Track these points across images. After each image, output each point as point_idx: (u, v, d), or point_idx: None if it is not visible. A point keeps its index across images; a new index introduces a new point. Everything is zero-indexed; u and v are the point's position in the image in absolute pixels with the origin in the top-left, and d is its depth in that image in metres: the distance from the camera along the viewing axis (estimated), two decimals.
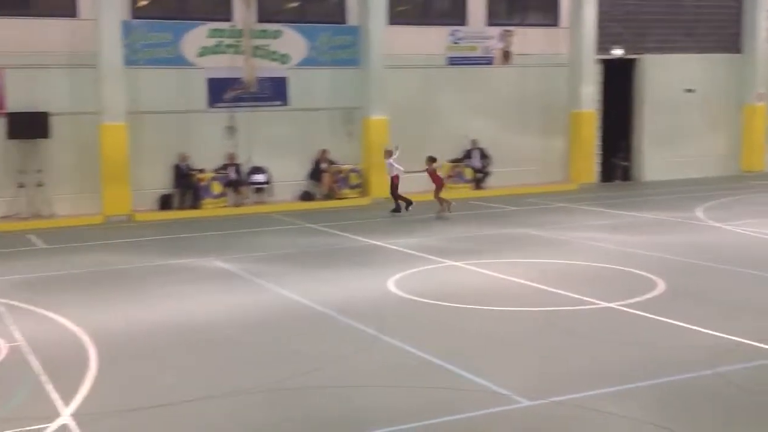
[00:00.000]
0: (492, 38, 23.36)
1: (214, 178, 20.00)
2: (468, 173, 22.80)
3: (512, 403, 6.91)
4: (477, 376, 7.52)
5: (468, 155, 22.92)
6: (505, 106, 23.49)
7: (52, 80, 18.86)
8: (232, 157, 20.46)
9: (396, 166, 18.69)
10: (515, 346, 8.65)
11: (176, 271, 12.90)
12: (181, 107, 20.13)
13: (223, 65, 20.42)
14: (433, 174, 18.72)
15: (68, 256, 14.60)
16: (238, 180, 20.42)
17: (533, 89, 23.80)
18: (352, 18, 21.80)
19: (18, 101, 18.49)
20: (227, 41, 20.52)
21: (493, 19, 23.41)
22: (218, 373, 7.92)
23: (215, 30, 20.39)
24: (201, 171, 19.99)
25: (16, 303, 10.75)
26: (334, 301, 10.52)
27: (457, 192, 21.81)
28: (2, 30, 18.31)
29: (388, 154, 18.85)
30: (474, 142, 22.92)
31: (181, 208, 19.84)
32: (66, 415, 6.78)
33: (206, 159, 20.15)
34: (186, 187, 19.88)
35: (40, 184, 18.74)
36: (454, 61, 22.97)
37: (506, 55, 23.54)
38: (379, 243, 15.00)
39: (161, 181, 19.90)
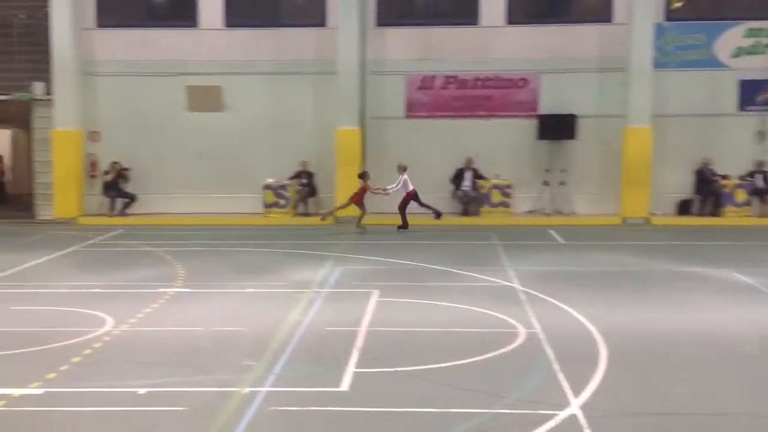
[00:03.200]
0: None
1: (738, 185, 18.95)
2: None
3: None
4: None
5: None
6: None
7: (581, 84, 19.70)
8: (760, 164, 19.12)
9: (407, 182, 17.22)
10: None
11: (690, 279, 12.47)
12: (708, 110, 19.48)
13: (757, 66, 19.19)
14: (362, 190, 16.91)
15: (585, 253, 15.10)
16: (765, 189, 19.00)
17: None
18: None
19: (549, 104, 19.76)
20: (766, 41, 19.16)
21: None
22: (732, 391, 7.43)
23: (753, 29, 19.23)
24: (725, 177, 19.07)
25: (535, 293, 11.47)
26: None
27: None
28: (539, 37, 19.71)
29: (402, 170, 17.29)
30: None
31: (701, 214, 19.26)
32: (575, 406, 6.99)
33: (732, 165, 19.19)
34: (707, 193, 19.20)
35: (562, 183, 19.74)
36: None
37: None
38: None
39: (681, 186, 19.49)
